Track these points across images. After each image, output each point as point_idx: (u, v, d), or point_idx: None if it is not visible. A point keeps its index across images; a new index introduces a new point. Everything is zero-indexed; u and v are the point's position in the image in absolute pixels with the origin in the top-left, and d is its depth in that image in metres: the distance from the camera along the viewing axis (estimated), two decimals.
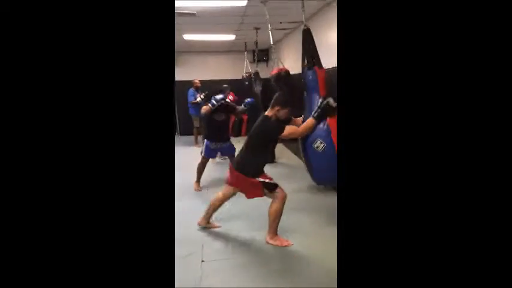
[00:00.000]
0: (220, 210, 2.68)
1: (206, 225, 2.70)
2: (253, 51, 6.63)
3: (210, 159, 3.85)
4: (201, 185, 3.74)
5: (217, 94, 3.57)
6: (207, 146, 3.64)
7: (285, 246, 2.38)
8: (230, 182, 2.53)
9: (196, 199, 3.39)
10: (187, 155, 5.60)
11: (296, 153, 4.96)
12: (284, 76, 3.34)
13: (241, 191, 2.50)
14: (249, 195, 2.48)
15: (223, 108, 3.57)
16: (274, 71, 3.48)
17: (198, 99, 5.96)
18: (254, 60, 6.92)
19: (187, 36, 5.33)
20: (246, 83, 6.05)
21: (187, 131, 7.50)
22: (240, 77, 7.07)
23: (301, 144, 3.48)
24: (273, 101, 2.44)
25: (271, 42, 3.56)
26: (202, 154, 3.67)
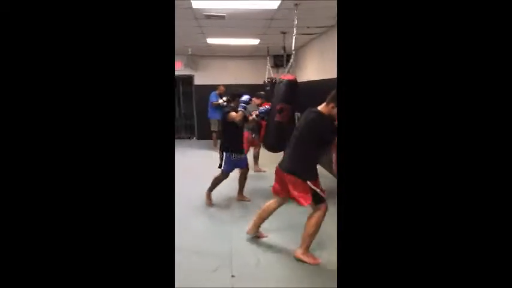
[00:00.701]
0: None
1: (255, 234, 2.57)
2: (275, 56, 6.54)
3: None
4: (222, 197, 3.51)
5: (241, 96, 3.23)
6: (228, 159, 3.23)
7: (314, 264, 2.20)
8: (279, 190, 2.30)
9: (223, 211, 3.27)
10: (207, 158, 5.52)
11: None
12: (294, 84, 3.22)
13: (294, 198, 2.19)
14: (303, 202, 2.15)
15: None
16: (289, 77, 3.34)
17: (220, 101, 6.01)
18: (276, 65, 6.83)
19: (210, 40, 5.26)
20: (268, 88, 5.93)
21: (205, 135, 7.45)
22: (261, 82, 7.00)
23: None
24: (329, 97, 2.14)
25: (293, 48, 3.44)
26: (222, 169, 3.27)
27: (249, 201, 3.51)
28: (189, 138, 7.98)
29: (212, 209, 3.30)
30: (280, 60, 7.14)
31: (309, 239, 2.23)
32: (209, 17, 3.60)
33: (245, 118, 3.23)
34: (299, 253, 2.25)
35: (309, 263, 2.21)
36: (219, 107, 6.08)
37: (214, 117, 6.13)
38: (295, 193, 2.16)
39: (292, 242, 2.41)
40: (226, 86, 6.41)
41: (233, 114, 3.16)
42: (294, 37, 3.39)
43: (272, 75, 6.22)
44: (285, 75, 3.37)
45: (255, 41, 5.40)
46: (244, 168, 3.40)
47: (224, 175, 3.30)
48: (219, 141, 6.17)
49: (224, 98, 6.01)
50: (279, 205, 2.39)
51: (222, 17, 3.60)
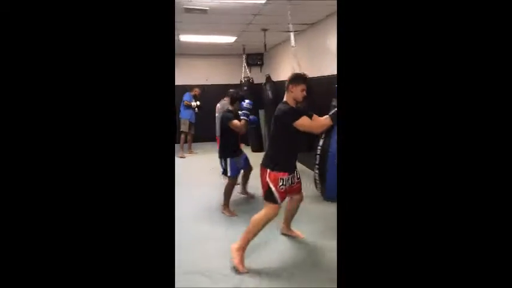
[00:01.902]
0: None
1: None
2: (248, 55, 6.28)
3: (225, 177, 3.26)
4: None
5: (241, 100, 2.98)
6: (233, 164, 3.04)
7: (237, 266, 2.06)
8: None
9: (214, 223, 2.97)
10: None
11: (302, 161, 4.64)
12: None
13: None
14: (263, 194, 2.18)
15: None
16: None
17: (193, 104, 5.67)
18: (248, 64, 6.57)
19: (183, 38, 4.89)
20: (245, 88, 5.67)
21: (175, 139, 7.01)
22: (235, 82, 6.72)
23: (321, 155, 3.18)
24: (286, 82, 2.14)
25: (293, 43, 3.21)
26: (229, 174, 3.06)
27: (252, 198, 3.46)
28: None
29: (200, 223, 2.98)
30: (253, 59, 6.91)
31: (246, 237, 2.10)
32: (189, 10, 3.27)
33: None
34: (233, 247, 2.14)
35: (234, 263, 2.09)
36: (190, 107, 5.75)
37: (185, 117, 5.75)
38: (261, 184, 2.18)
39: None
40: (199, 86, 6.06)
41: (236, 123, 2.87)
42: (291, 33, 3.15)
43: (248, 75, 5.98)
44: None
45: (231, 39, 5.11)
46: (248, 169, 3.31)
47: (232, 181, 3.07)
48: (186, 144, 5.88)
49: (198, 103, 5.70)
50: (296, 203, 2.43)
51: (204, 11, 3.29)
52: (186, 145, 5.92)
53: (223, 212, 3.09)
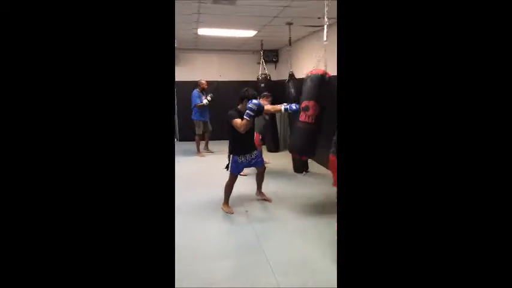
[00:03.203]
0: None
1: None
2: (263, 51, 6.07)
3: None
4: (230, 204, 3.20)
5: (251, 100, 2.84)
6: (235, 161, 3.04)
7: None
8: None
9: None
10: (190, 165, 4.96)
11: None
12: (322, 80, 2.86)
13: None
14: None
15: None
16: (318, 71, 2.96)
17: (205, 101, 5.33)
18: (263, 61, 6.37)
19: (202, 31, 4.68)
20: (262, 85, 5.48)
21: (188, 137, 6.83)
22: (252, 79, 6.52)
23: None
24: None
25: (325, 38, 3.00)
26: (230, 170, 3.07)
27: (269, 201, 3.39)
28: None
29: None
30: (268, 55, 6.69)
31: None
32: (217, 1, 3.07)
33: (259, 112, 2.84)
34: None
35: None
36: (204, 107, 5.38)
37: (199, 119, 5.42)
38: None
39: None
40: (210, 83, 5.82)
41: (238, 122, 2.82)
42: (325, 27, 2.94)
43: (266, 71, 5.79)
44: (313, 70, 2.94)
45: (251, 33, 4.91)
46: (261, 168, 3.25)
47: (232, 177, 3.10)
48: (202, 145, 5.68)
49: (209, 97, 5.39)
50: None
51: (233, 2, 3.08)
52: (202, 143, 5.70)
53: (222, 208, 3.17)
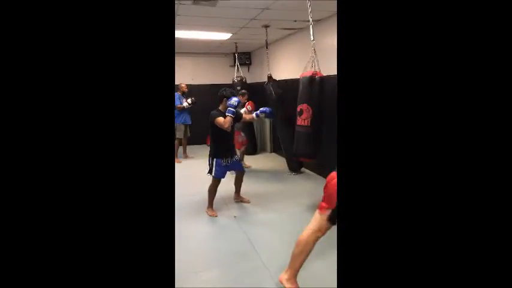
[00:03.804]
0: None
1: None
2: (233, 54, 6.04)
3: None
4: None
5: (229, 98, 2.88)
6: (218, 165, 3.00)
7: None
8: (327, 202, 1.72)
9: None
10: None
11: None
12: (312, 81, 2.92)
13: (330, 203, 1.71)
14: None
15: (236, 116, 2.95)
16: (307, 73, 3.00)
17: (185, 104, 5.26)
18: (234, 64, 6.33)
19: (178, 33, 4.56)
20: (238, 88, 5.43)
21: None
22: (225, 81, 6.45)
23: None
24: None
25: (312, 39, 3.03)
26: (213, 175, 3.04)
27: (248, 202, 3.39)
28: None
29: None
30: (241, 58, 6.65)
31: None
32: (197, 2, 2.99)
33: (237, 118, 2.96)
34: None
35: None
36: (184, 110, 5.34)
37: (179, 122, 5.32)
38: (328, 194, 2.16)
39: None
40: (189, 86, 5.72)
41: (221, 120, 2.86)
42: (311, 27, 2.96)
43: (241, 74, 5.75)
44: (303, 73, 2.96)
45: (226, 36, 4.86)
46: (240, 172, 3.27)
47: (216, 181, 3.08)
48: (180, 148, 5.53)
49: (189, 100, 5.32)
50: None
51: (214, 3, 3.03)
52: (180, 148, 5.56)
53: (206, 212, 3.14)
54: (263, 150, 6.26)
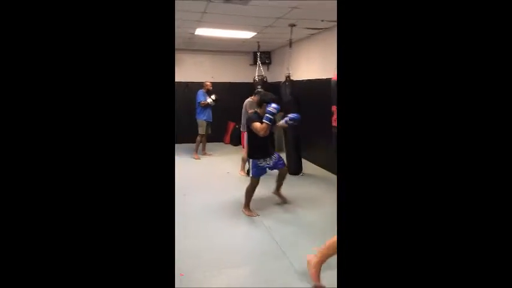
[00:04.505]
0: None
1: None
2: (254, 53, 6.03)
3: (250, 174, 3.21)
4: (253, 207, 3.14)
5: (269, 104, 2.84)
6: (255, 165, 3.04)
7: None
8: None
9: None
10: (186, 168, 4.85)
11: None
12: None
13: None
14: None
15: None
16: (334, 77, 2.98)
17: (209, 100, 5.31)
18: (255, 63, 6.32)
19: (200, 31, 4.58)
20: (259, 87, 5.43)
21: (186, 139, 6.66)
22: (245, 80, 6.46)
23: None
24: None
25: None
26: (251, 175, 3.09)
27: (285, 201, 3.37)
28: None
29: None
30: (260, 57, 6.64)
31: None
32: (229, 1, 3.00)
33: (272, 125, 2.91)
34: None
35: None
36: (208, 106, 5.38)
37: (202, 119, 5.36)
38: None
39: None
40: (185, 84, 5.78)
41: (257, 125, 2.85)
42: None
43: (263, 73, 5.74)
44: (334, 76, 2.94)
45: (250, 35, 4.86)
46: (284, 169, 3.22)
47: (254, 181, 3.07)
48: (200, 146, 5.57)
49: (213, 97, 5.36)
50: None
51: (246, 2, 3.02)
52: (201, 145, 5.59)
53: (242, 211, 3.12)
54: (280, 150, 6.25)
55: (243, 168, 4.39)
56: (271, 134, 3.10)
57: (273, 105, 2.79)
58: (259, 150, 3.02)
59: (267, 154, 3.05)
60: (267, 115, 2.76)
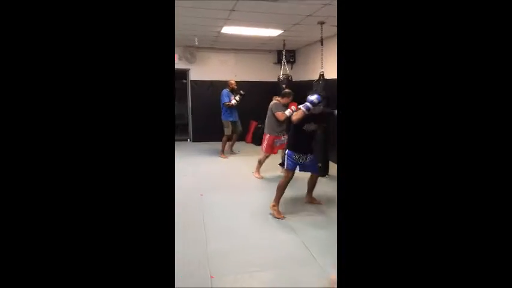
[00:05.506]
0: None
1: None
2: (279, 52, 5.93)
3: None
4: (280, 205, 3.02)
5: (311, 95, 2.81)
6: (289, 156, 2.94)
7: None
8: None
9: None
10: (213, 165, 4.83)
11: None
12: None
13: None
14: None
15: (314, 116, 2.85)
16: None
17: (233, 101, 5.22)
18: (279, 62, 6.23)
19: (226, 29, 4.54)
20: (284, 85, 5.35)
21: (201, 137, 6.67)
22: (269, 79, 6.39)
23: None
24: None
25: None
26: (285, 167, 3.00)
27: (320, 203, 3.27)
28: (186, 140, 7.03)
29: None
30: (285, 55, 6.55)
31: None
32: None
33: (322, 118, 2.99)
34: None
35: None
36: (233, 108, 5.28)
37: (227, 120, 5.29)
38: None
39: None
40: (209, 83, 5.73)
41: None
42: None
43: (288, 72, 5.66)
44: None
45: (276, 33, 4.78)
46: (315, 174, 3.18)
47: (288, 174, 2.96)
48: (227, 146, 5.54)
49: (237, 97, 5.29)
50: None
51: None
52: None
53: (270, 208, 2.97)
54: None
55: (258, 170, 4.28)
56: (314, 132, 2.97)
57: (315, 95, 2.79)
58: (298, 144, 2.93)
59: (304, 151, 2.94)
60: (307, 103, 2.74)
